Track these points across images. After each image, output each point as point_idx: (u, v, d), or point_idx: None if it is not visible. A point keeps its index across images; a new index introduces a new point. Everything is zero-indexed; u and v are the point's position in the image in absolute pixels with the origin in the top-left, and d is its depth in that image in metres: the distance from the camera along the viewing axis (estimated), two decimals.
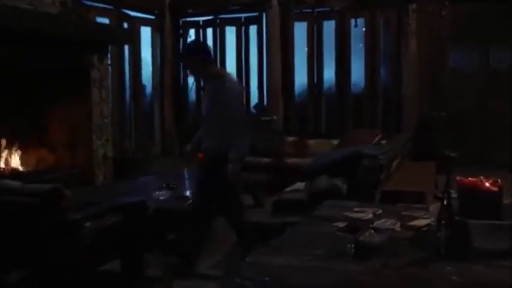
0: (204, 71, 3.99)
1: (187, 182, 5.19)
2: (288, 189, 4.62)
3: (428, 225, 2.46)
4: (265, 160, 6.59)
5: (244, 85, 8.84)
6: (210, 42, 9.02)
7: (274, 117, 7.87)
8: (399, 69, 8.03)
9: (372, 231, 2.32)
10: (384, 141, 5.08)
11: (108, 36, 6.60)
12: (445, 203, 2.15)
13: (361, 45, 8.30)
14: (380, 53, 8.17)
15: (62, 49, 5.59)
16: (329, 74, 8.42)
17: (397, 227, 2.57)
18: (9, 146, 5.62)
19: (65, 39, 5.52)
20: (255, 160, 6.65)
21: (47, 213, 3.06)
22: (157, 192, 4.53)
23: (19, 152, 5.70)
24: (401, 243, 2.32)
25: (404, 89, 7.98)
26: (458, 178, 2.32)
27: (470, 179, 2.28)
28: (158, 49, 9.00)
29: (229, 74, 4.18)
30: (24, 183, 3.43)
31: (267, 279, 1.95)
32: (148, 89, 9.12)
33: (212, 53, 4.16)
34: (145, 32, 8.85)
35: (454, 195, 2.23)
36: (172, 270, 3.86)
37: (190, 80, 9.15)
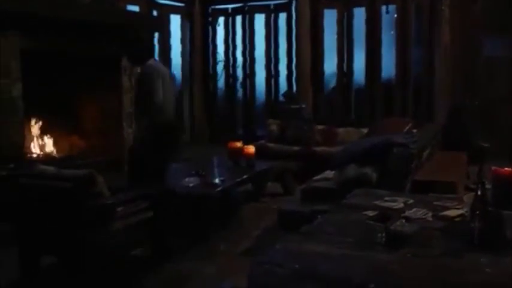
0: None
1: (216, 169, 5.22)
2: (317, 177, 4.60)
3: (461, 215, 2.43)
4: (295, 148, 6.58)
5: (273, 73, 8.83)
6: (239, 29, 9.03)
7: (303, 105, 7.84)
8: (431, 57, 7.88)
9: (403, 221, 2.30)
10: (414, 130, 4.99)
11: (139, 24, 6.65)
12: (479, 193, 2.11)
13: (392, 32, 8.17)
14: (412, 41, 8.02)
15: (93, 37, 5.66)
16: (359, 61, 8.31)
17: (429, 216, 2.54)
18: (43, 132, 5.74)
19: (96, 27, 5.59)
20: (285, 148, 6.65)
21: (80, 198, 3.12)
22: (186, 179, 4.56)
23: (52, 138, 5.82)
24: (434, 233, 2.29)
25: (436, 77, 7.83)
26: (493, 168, 2.28)
27: (506, 169, 2.23)
28: (187, 36, 9.04)
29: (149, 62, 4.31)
30: (59, 169, 3.50)
31: (297, 266, 1.95)
32: (178, 76, 9.18)
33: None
34: (175, 20, 8.89)
35: (487, 185, 2.20)
36: (201, 255, 3.90)
37: (220, 67, 9.19)
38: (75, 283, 3.25)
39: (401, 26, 8.01)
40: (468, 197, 2.31)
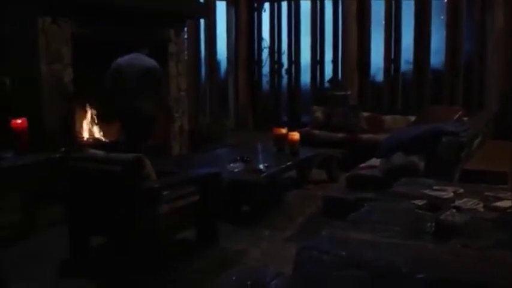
0: None
1: (261, 155, 5.23)
2: (363, 165, 4.55)
3: None
4: (340, 135, 6.52)
5: (318, 59, 8.74)
6: (284, 15, 8.96)
7: (349, 92, 7.74)
8: (483, 44, 7.61)
9: (454, 211, 2.24)
10: (465, 118, 4.85)
11: (185, 10, 6.70)
12: None
13: (442, 17, 7.93)
14: (463, 26, 7.77)
15: (141, 23, 5.74)
16: (407, 47, 8.12)
17: (480, 207, 2.47)
18: (92, 117, 5.88)
19: (144, 13, 5.66)
20: (329, 135, 6.60)
21: (128, 181, 3.19)
22: (231, 165, 4.60)
23: (101, 122, 5.95)
24: (485, 224, 2.23)
25: (488, 64, 7.57)
26: None
27: None
28: (233, 23, 9.05)
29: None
30: (107, 153, 3.58)
31: (344, 253, 1.93)
32: (223, 63, 9.22)
33: None
34: (221, 6, 8.91)
35: None
36: (245, 240, 3.93)
37: (265, 54, 9.17)
38: (123, 263, 3.33)
39: (451, 11, 7.77)
40: None
